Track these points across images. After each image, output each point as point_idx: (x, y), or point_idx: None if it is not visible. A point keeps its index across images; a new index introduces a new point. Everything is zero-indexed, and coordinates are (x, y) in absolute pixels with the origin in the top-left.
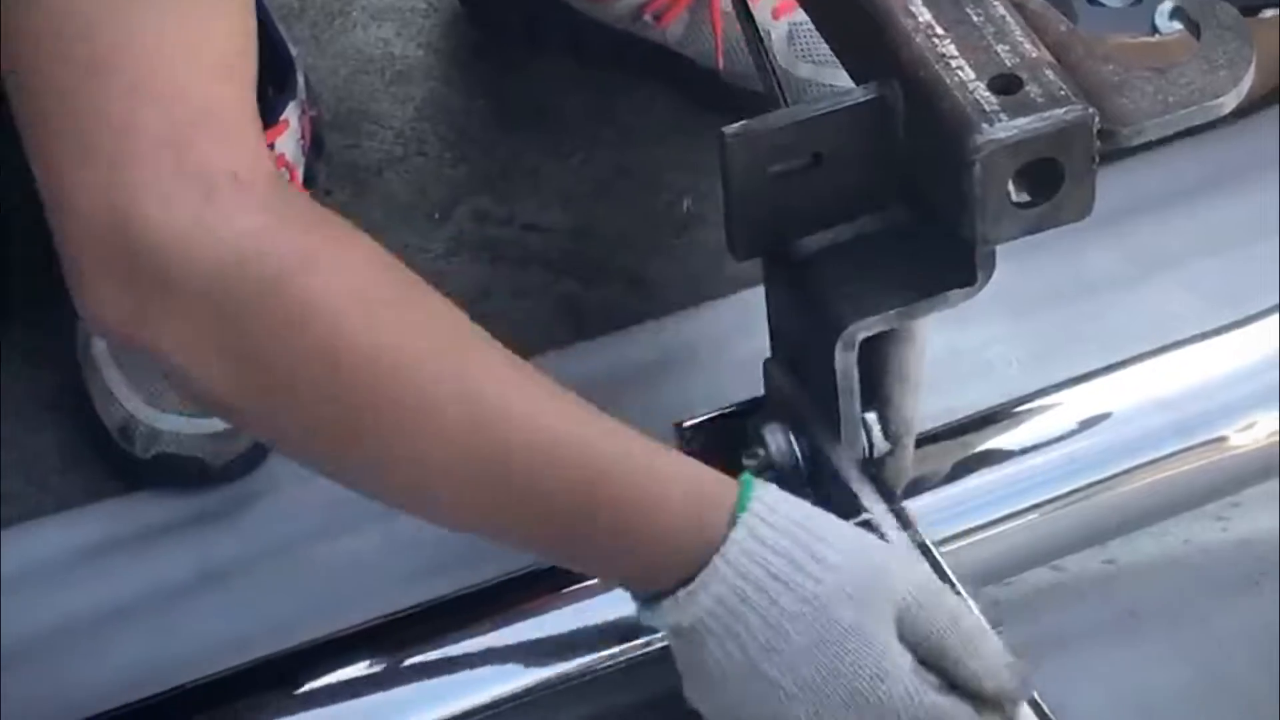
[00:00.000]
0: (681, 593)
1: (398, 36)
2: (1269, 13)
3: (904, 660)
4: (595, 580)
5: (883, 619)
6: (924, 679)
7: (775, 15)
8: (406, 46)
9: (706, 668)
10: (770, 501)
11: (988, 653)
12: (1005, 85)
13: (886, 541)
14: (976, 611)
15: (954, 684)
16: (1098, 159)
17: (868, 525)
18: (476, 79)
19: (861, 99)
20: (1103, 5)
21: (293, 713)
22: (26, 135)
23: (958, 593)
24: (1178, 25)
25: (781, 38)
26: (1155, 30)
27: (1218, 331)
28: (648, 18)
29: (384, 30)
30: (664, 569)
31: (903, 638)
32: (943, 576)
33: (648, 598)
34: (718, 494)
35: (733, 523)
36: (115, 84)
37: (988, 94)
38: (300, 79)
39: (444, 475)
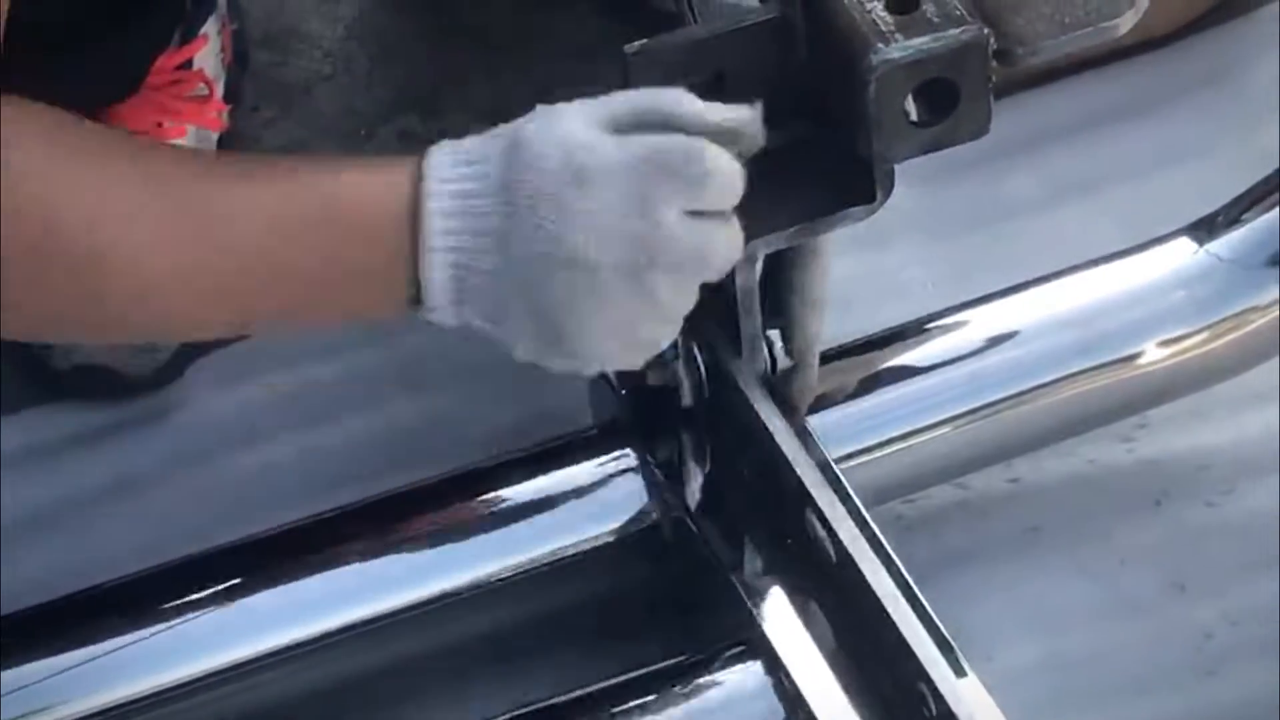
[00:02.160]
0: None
1: None
2: None
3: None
4: (498, 491)
5: (593, 131)
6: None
7: None
8: None
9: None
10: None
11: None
12: (902, 5)
13: None
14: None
15: None
16: (994, 78)
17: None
18: None
19: (762, 18)
20: None
21: (197, 613)
22: None
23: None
24: None
25: None
26: None
27: (1124, 253)
28: None
29: None
30: (381, 251)
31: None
32: (843, 493)
33: (400, 299)
34: (395, 161)
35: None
36: None
37: (884, 14)
38: None
39: (171, 283)
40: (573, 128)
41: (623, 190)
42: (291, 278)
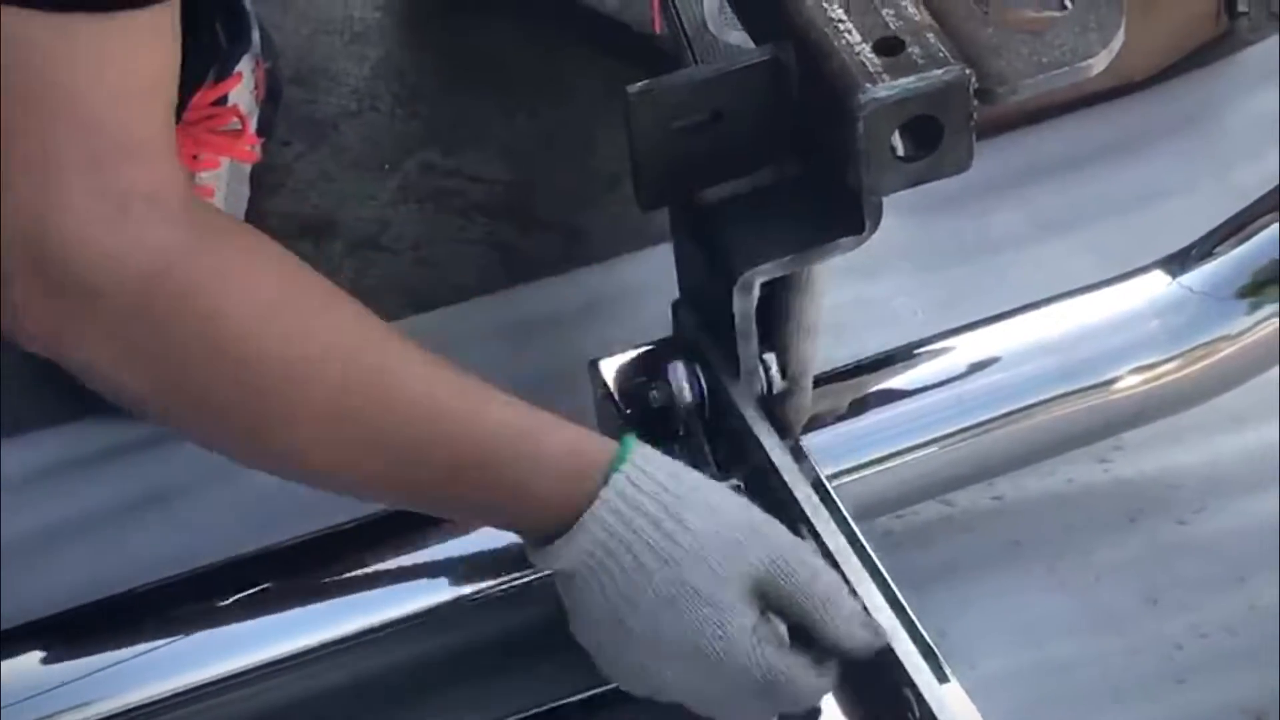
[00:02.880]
0: (559, 541)
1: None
2: None
3: (747, 620)
4: None
5: (732, 582)
6: (766, 638)
7: None
8: (365, 9)
9: (581, 610)
10: (642, 462)
11: (842, 613)
12: (889, 47)
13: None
14: (833, 575)
15: (816, 644)
16: (975, 116)
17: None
18: (429, 41)
19: (756, 60)
20: None
21: (223, 622)
22: None
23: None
24: None
25: (713, 7)
26: (1064, 6)
27: (1101, 284)
28: None
29: None
30: (545, 521)
31: (764, 601)
32: (834, 509)
33: (535, 541)
34: (595, 453)
35: (605, 481)
36: (37, 113)
37: (872, 55)
38: (255, 34)
39: (352, 454)
40: (733, 605)
41: (738, 672)
42: (448, 504)
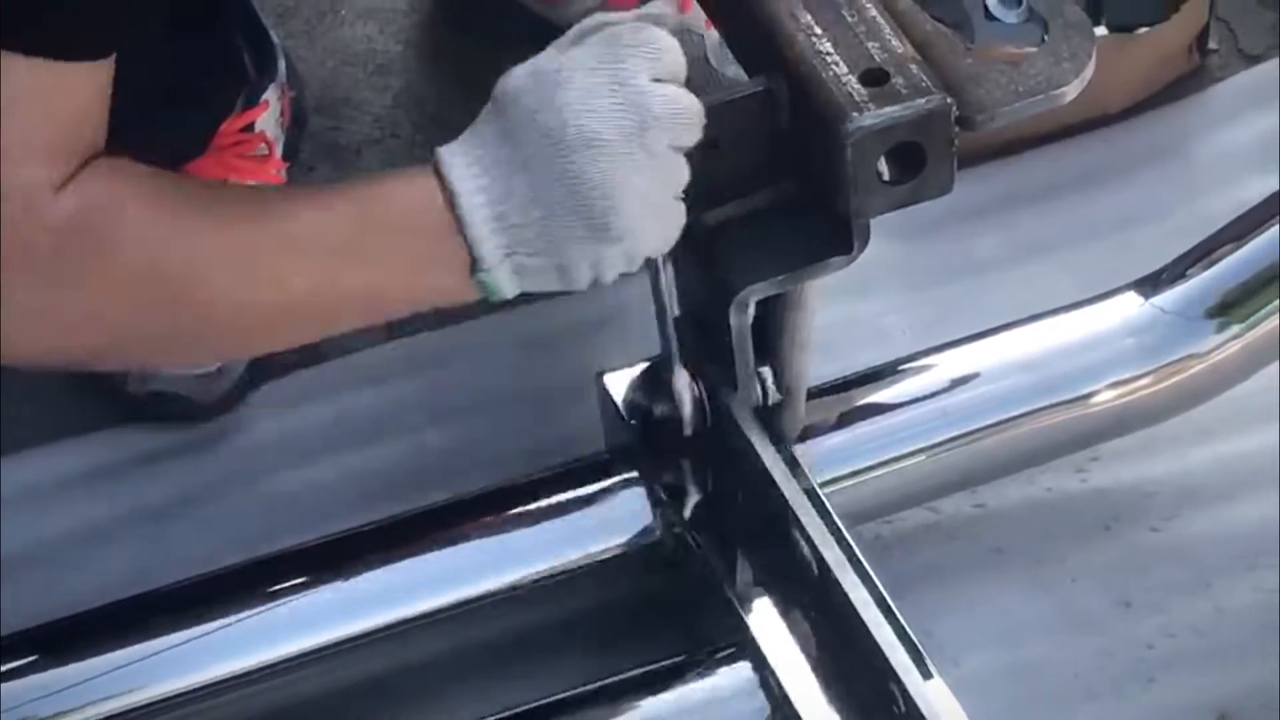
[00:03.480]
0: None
1: (380, 33)
2: (1142, 31)
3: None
4: (518, 508)
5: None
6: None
7: (707, 25)
8: (387, 42)
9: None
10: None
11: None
12: (874, 78)
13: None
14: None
15: None
16: (956, 142)
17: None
18: (447, 72)
19: (750, 91)
20: (998, 21)
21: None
22: None
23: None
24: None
25: (714, 43)
26: (1043, 40)
27: (1078, 305)
28: None
29: (368, 27)
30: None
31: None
32: (826, 515)
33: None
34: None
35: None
36: None
37: (859, 86)
38: (281, 65)
39: (261, 306)
40: (537, 59)
41: (599, 74)
42: (366, 280)
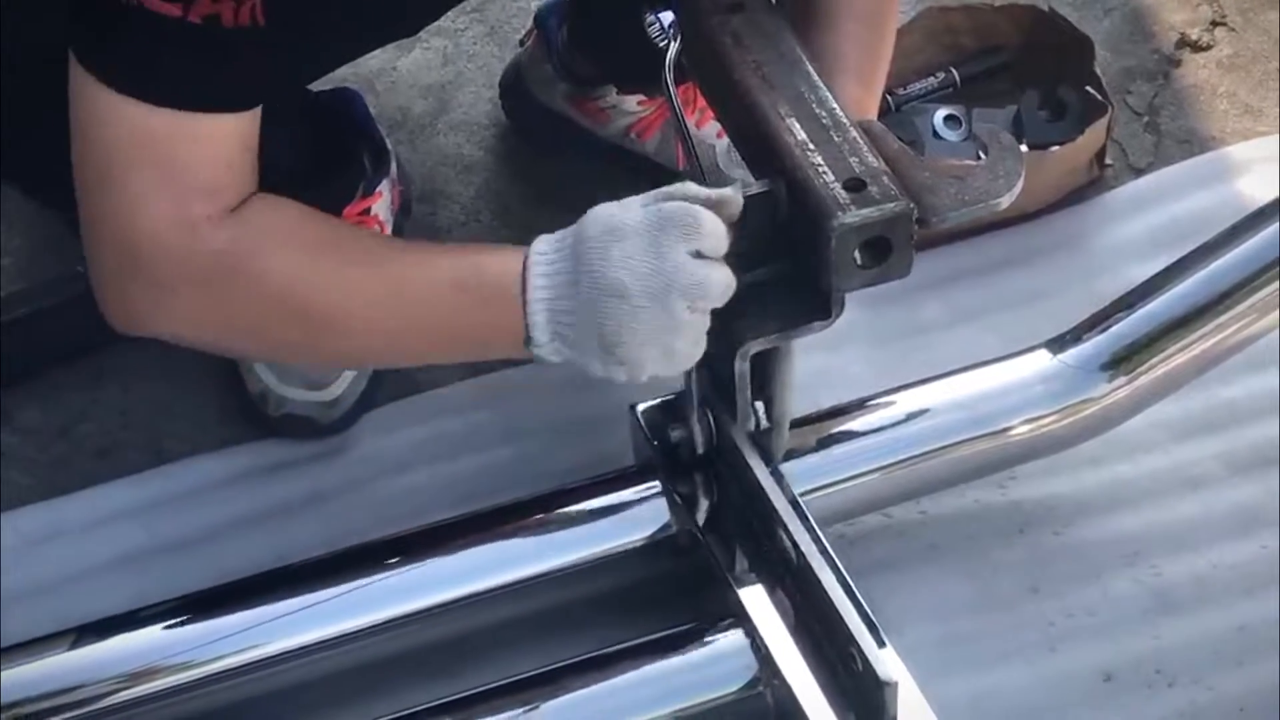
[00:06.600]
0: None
1: (467, 141)
2: (1054, 148)
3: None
4: (560, 509)
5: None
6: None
7: (719, 135)
8: (472, 149)
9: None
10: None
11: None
12: (854, 185)
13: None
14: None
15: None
16: (915, 237)
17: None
18: (517, 173)
19: (755, 191)
20: (943, 140)
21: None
22: (80, 189)
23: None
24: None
25: (722, 151)
26: (979, 156)
27: (1001, 359)
28: (633, 135)
29: (458, 136)
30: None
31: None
32: (804, 518)
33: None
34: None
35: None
36: (139, 166)
37: (842, 191)
38: (393, 163)
39: (386, 341)
40: (611, 207)
41: (645, 239)
42: (451, 328)
